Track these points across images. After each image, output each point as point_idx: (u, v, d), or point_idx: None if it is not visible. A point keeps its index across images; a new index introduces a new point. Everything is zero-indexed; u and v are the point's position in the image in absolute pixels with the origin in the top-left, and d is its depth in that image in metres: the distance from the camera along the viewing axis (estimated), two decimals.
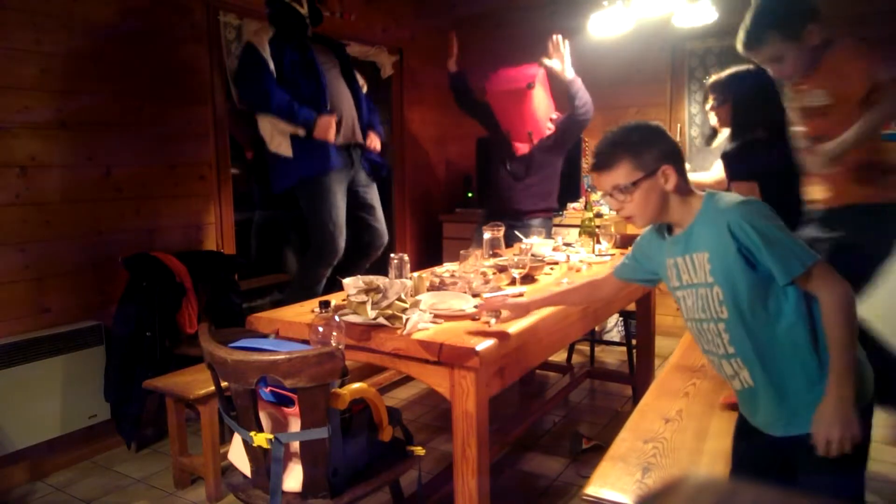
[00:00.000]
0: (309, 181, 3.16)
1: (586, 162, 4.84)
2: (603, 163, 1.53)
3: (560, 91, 3.63)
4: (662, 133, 1.55)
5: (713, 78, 2.73)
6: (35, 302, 2.82)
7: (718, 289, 1.44)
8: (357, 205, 3.41)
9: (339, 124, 3.18)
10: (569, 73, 3.47)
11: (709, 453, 1.76)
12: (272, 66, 3.06)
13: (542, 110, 3.57)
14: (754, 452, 1.57)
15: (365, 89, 3.57)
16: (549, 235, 3.62)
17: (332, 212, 3.19)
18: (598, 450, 2.78)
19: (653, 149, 1.50)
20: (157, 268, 3.00)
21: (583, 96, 3.48)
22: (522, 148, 3.62)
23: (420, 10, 4.98)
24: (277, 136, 3.14)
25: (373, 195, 3.49)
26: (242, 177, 4.31)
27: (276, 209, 4.41)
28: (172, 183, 3.35)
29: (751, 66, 2.51)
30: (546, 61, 3.49)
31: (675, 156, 1.51)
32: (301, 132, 3.09)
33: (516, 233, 3.30)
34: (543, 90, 3.58)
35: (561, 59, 3.45)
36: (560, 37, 3.46)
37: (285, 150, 3.13)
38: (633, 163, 1.49)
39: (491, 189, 3.82)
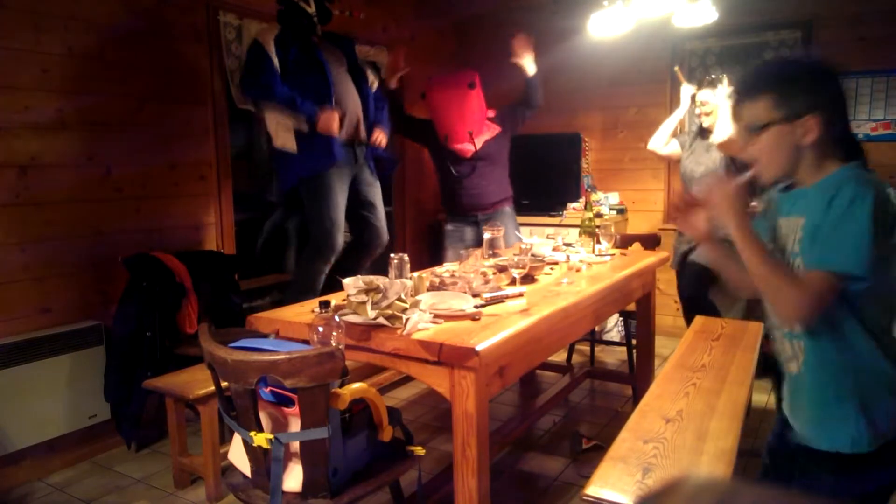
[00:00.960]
0: (311, 178, 3.16)
1: (586, 162, 4.84)
2: (745, 92, 1.35)
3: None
4: (828, 77, 1.31)
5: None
6: (35, 302, 2.82)
7: (800, 261, 1.31)
8: (359, 202, 3.41)
9: (342, 119, 3.18)
10: (532, 69, 3.66)
11: (709, 453, 1.76)
12: (277, 63, 3.07)
13: (481, 110, 3.70)
14: (782, 456, 1.51)
15: (375, 86, 3.57)
16: (515, 226, 3.70)
17: (331, 208, 3.19)
18: (598, 450, 2.78)
19: (806, 92, 1.27)
20: (157, 268, 3.00)
21: (541, 88, 3.73)
22: (464, 148, 3.68)
23: (420, 10, 4.97)
24: (282, 132, 3.14)
25: (375, 193, 3.49)
26: (244, 177, 4.30)
27: (293, 208, 4.39)
28: (172, 183, 3.35)
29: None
30: (516, 59, 3.64)
31: (831, 107, 1.29)
32: (304, 126, 3.09)
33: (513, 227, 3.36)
34: (481, 92, 3.70)
35: (528, 55, 3.64)
36: (524, 33, 3.66)
37: (290, 145, 3.14)
38: (775, 101, 1.28)
39: (445, 191, 3.91)
